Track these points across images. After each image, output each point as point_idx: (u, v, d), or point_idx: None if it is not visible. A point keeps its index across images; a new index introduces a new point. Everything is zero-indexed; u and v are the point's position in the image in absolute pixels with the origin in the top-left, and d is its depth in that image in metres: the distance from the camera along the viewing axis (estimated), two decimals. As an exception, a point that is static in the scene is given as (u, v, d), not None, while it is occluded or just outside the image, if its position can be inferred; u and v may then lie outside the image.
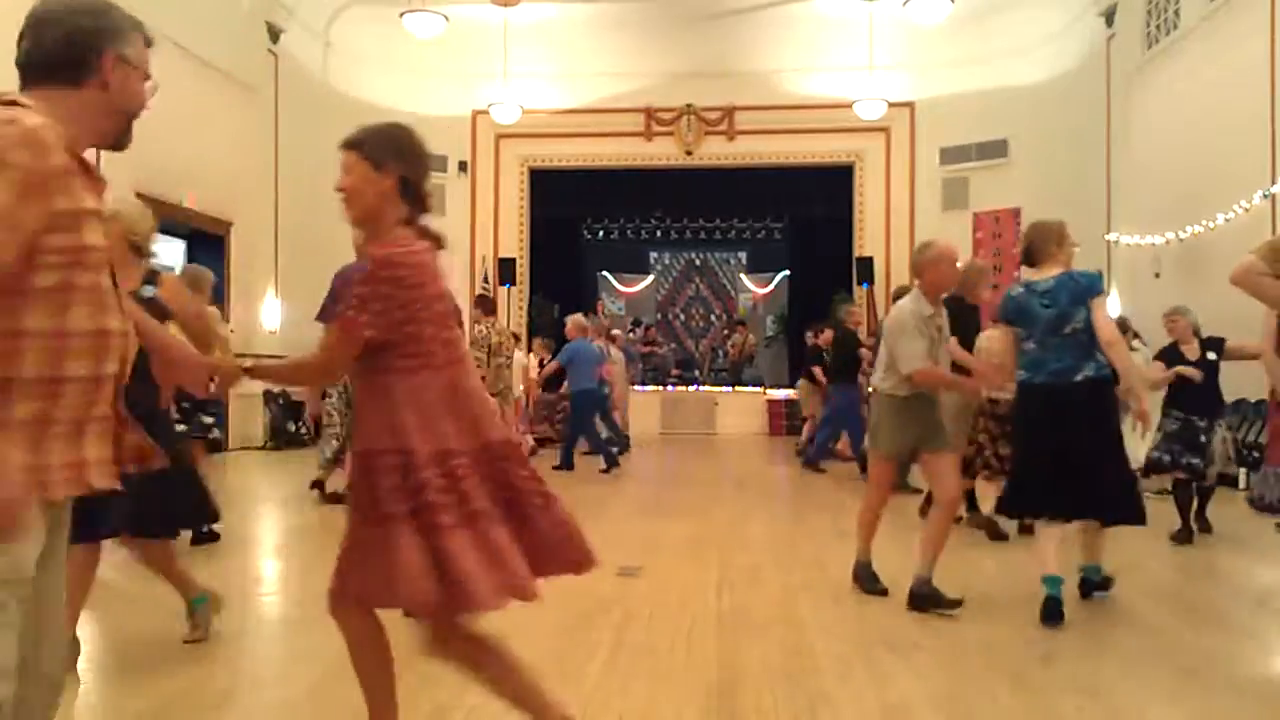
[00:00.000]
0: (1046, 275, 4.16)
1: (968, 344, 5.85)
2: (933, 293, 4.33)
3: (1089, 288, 4.08)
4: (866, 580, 4.49)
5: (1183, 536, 5.85)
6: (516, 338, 11.88)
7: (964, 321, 6.53)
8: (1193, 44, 10.53)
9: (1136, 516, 4.09)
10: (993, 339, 5.28)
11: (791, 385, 15.87)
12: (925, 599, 4.12)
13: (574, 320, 10.48)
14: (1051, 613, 3.90)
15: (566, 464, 9.76)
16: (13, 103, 1.64)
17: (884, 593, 4.36)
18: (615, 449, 10.35)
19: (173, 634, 3.66)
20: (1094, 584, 4.38)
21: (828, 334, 11.41)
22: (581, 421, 10.13)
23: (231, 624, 3.90)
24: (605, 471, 9.54)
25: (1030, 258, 4.30)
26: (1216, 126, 9.80)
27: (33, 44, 1.73)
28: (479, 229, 16.39)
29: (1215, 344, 6.13)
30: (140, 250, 3.36)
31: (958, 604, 4.08)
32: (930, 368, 4.22)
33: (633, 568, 5.02)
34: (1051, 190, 13.60)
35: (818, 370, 11.07)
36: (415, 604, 2.14)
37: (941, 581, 4.12)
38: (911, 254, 4.54)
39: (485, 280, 15.91)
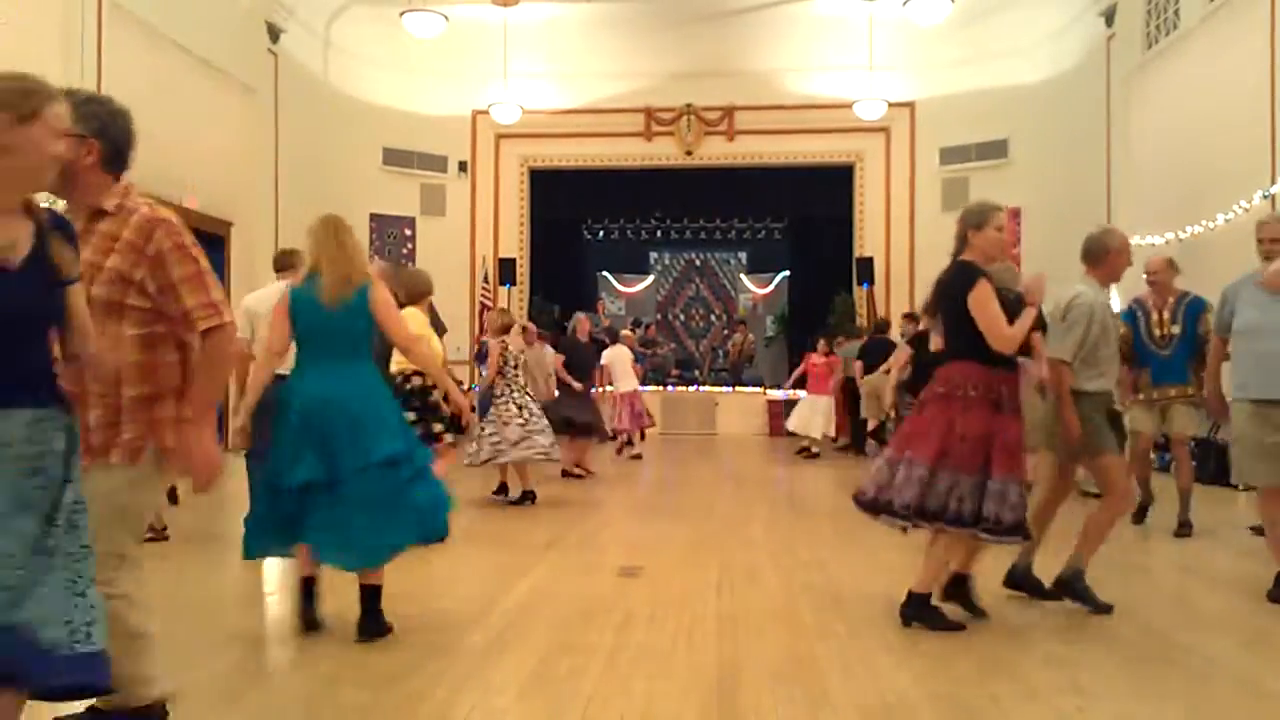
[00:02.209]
0: None
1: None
2: (1108, 281, 4.33)
3: None
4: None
5: None
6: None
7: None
8: (1193, 44, 10.52)
9: None
10: None
11: (792, 386, 15.84)
12: (1075, 592, 4.14)
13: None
14: None
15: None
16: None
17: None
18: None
19: (185, 631, 3.66)
20: None
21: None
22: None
23: (243, 625, 3.92)
24: None
25: None
26: (1216, 126, 9.79)
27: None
28: (479, 229, 16.40)
29: None
30: None
31: (1106, 609, 4.09)
32: (1064, 370, 4.10)
33: (633, 568, 5.04)
34: (1051, 190, 13.62)
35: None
36: None
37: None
38: (1087, 238, 4.38)
39: (485, 280, 15.91)
